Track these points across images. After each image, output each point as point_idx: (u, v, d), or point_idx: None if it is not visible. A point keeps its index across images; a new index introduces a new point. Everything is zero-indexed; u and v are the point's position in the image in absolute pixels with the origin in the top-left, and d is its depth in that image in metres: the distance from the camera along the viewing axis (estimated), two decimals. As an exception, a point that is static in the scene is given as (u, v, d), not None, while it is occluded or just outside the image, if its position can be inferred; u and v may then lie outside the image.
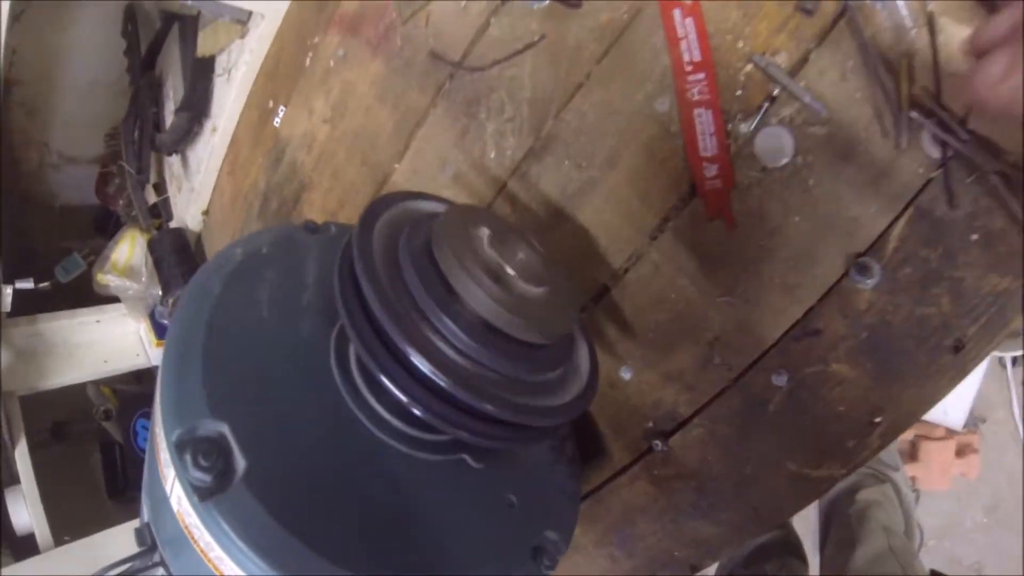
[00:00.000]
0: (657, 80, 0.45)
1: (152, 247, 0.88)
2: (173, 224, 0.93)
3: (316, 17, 0.65)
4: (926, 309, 0.38)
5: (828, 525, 0.96)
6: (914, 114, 0.37)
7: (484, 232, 0.35)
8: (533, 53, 0.49)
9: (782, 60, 0.41)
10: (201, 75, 0.79)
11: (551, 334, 0.34)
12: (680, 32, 0.44)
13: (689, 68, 0.44)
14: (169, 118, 0.87)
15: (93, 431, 1.01)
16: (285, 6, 0.68)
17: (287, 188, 0.70)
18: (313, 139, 0.66)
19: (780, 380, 0.41)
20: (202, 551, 0.29)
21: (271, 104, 0.72)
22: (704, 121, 0.44)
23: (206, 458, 0.28)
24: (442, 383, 0.30)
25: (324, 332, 0.38)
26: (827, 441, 0.40)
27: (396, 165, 0.58)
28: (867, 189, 0.39)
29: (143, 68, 0.91)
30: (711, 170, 0.44)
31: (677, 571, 0.47)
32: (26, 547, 0.77)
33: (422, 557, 0.33)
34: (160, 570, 0.36)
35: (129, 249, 0.94)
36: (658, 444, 0.45)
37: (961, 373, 0.37)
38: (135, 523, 0.40)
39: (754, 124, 0.42)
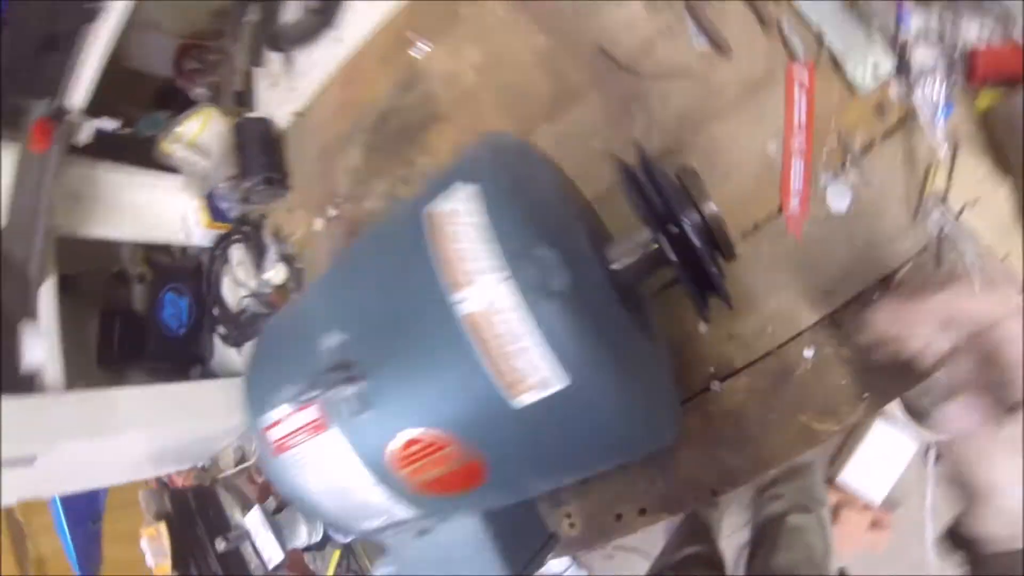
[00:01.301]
0: (772, 129, 0.63)
1: (239, 130, 0.93)
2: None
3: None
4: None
5: (757, 543, 1.10)
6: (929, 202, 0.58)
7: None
8: (687, 79, 0.66)
9: (857, 140, 0.61)
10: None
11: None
12: (796, 100, 0.64)
13: (796, 127, 0.63)
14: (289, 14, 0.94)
15: (98, 294, 1.03)
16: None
17: (414, 114, 0.82)
18: (456, 79, 0.79)
19: (808, 353, 0.61)
20: (490, 348, 0.41)
21: (410, 35, 0.83)
22: (798, 167, 0.63)
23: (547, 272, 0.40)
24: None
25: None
26: (829, 404, 0.60)
27: (543, 125, 0.72)
28: (887, 240, 0.59)
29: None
30: (795, 201, 0.63)
31: (702, 496, 0.65)
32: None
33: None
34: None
35: (201, 126, 0.94)
36: (717, 384, 0.64)
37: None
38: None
39: (829, 180, 0.62)
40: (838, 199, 0.62)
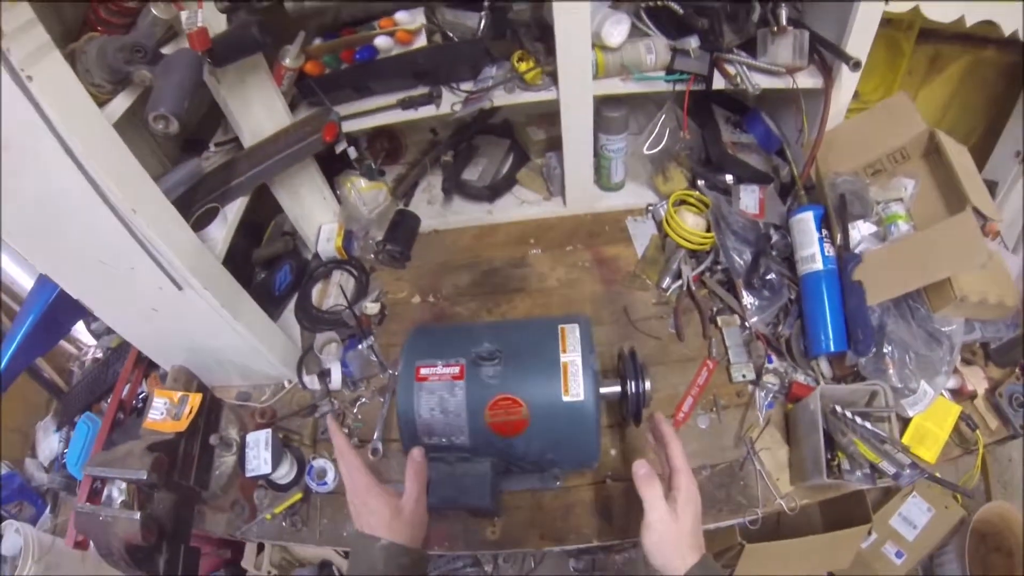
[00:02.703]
0: (686, 381, 1.25)
1: (400, 213, 1.53)
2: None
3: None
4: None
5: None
6: (745, 440, 1.18)
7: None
8: (657, 340, 1.30)
9: (723, 401, 1.23)
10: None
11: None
12: (702, 372, 1.27)
13: (697, 384, 1.25)
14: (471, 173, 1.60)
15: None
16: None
17: (511, 281, 1.44)
18: (545, 278, 1.44)
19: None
20: (567, 373, 0.96)
21: (532, 241, 1.49)
22: (689, 401, 1.24)
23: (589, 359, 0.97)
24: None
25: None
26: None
27: (582, 323, 1.34)
28: (720, 449, 1.17)
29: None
30: (681, 415, 1.22)
31: (581, 540, 1.12)
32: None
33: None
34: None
35: (371, 187, 1.49)
36: (609, 480, 1.15)
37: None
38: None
39: (700, 413, 1.22)
40: (703, 422, 1.21)
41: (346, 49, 1.27)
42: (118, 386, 1.37)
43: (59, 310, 1.38)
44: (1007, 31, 1.17)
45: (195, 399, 1.14)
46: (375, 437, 1.22)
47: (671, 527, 0.81)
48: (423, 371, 1.01)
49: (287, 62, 1.24)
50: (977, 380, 1.21)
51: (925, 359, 1.13)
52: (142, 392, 1.39)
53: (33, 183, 0.86)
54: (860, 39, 1.16)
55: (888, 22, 1.18)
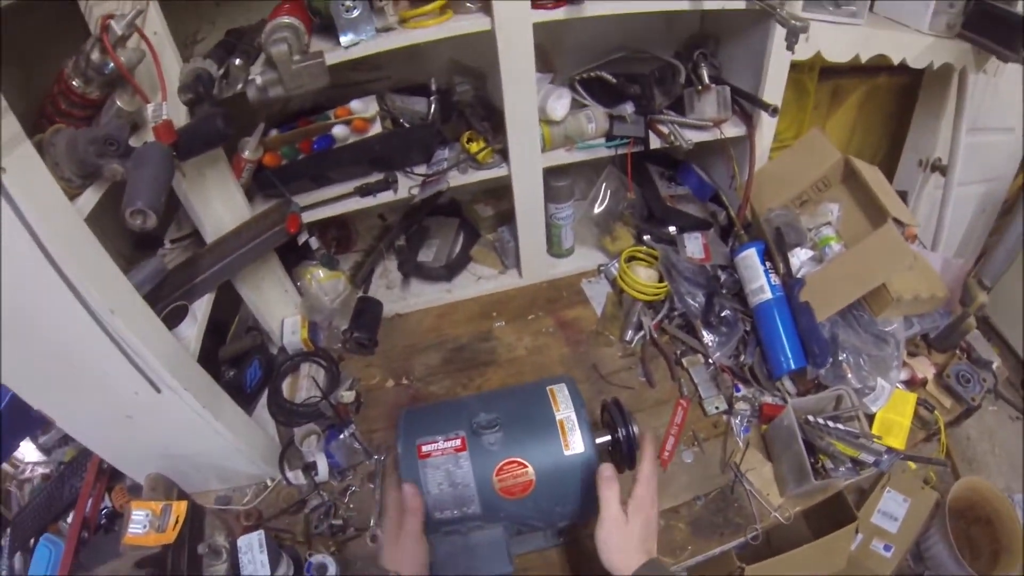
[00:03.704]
0: (662, 423, 1.31)
1: (362, 300, 1.53)
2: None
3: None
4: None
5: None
6: (730, 464, 1.24)
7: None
8: (631, 391, 1.36)
9: (702, 434, 1.29)
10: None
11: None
12: (678, 412, 1.33)
13: (675, 423, 1.31)
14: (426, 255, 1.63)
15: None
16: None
17: (481, 355, 1.47)
18: (513, 348, 1.47)
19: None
20: (564, 429, 1.00)
21: (495, 315, 1.53)
22: (672, 440, 1.29)
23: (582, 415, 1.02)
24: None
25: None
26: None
27: (559, 378, 1.38)
28: (708, 477, 1.23)
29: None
30: (666, 454, 1.27)
31: None
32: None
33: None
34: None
35: (329, 277, 1.49)
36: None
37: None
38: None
39: (684, 448, 1.28)
40: (687, 457, 1.27)
41: (304, 140, 1.30)
42: (80, 502, 1.28)
43: (3, 428, 1.30)
44: (896, 60, 1.35)
45: (180, 507, 1.08)
46: (372, 524, 1.21)
47: (620, 528, 0.88)
48: (425, 448, 1.02)
49: (246, 154, 1.25)
50: (925, 368, 1.37)
51: (877, 359, 1.25)
52: (105, 507, 1.31)
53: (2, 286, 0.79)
54: (774, 87, 1.31)
55: (794, 66, 1.34)
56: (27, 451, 1.56)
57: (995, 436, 2.44)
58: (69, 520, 1.28)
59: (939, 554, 1.83)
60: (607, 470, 0.93)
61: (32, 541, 1.25)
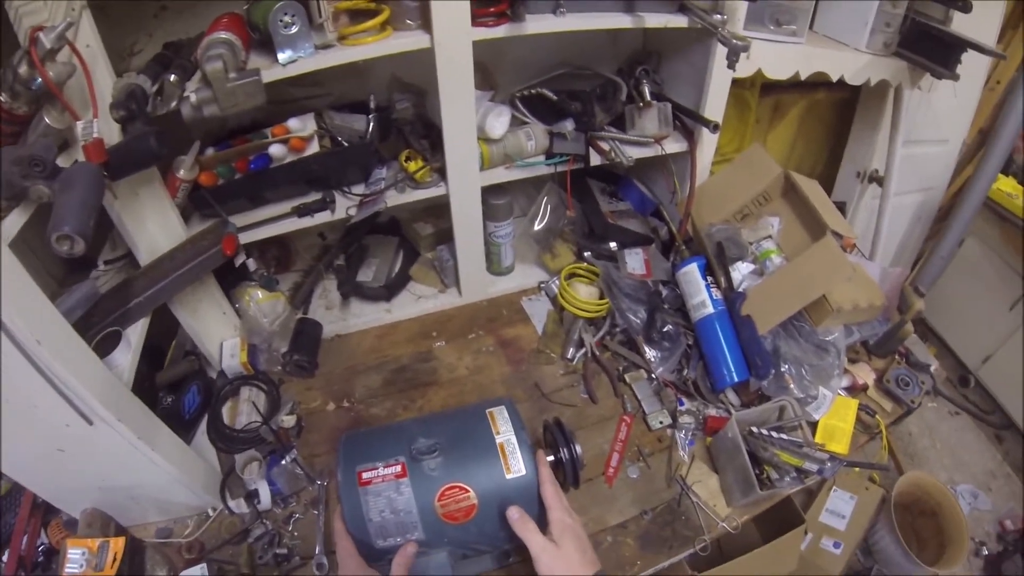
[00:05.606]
0: (607, 439, 1.32)
1: (301, 322, 1.49)
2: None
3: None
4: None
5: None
6: (676, 479, 1.25)
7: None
8: (573, 408, 1.36)
9: (647, 449, 1.30)
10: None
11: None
12: (622, 428, 1.33)
13: (619, 439, 1.32)
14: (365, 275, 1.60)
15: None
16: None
17: (422, 375, 1.46)
18: (454, 368, 1.46)
19: (609, 538, 1.19)
20: (505, 453, 0.99)
21: (435, 334, 1.52)
22: (616, 457, 1.30)
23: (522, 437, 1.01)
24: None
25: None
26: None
27: (506, 395, 1.38)
28: (654, 491, 1.23)
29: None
30: (611, 471, 1.28)
31: None
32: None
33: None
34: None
35: (267, 298, 1.44)
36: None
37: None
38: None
39: (630, 464, 1.28)
40: (633, 472, 1.28)
41: (240, 159, 1.26)
42: (14, 540, 1.22)
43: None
44: (835, 77, 1.39)
45: (117, 544, 1.04)
46: (317, 552, 1.18)
47: (556, 555, 0.89)
48: (365, 475, 1.00)
49: (181, 173, 1.21)
50: (865, 374, 1.42)
51: (818, 368, 1.28)
52: (42, 544, 1.26)
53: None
54: (715, 103, 1.33)
55: (735, 82, 1.36)
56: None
57: (935, 431, 2.53)
58: (4, 559, 1.22)
59: (887, 548, 1.89)
60: (515, 512, 0.95)
61: (-37, 583, 1.19)
